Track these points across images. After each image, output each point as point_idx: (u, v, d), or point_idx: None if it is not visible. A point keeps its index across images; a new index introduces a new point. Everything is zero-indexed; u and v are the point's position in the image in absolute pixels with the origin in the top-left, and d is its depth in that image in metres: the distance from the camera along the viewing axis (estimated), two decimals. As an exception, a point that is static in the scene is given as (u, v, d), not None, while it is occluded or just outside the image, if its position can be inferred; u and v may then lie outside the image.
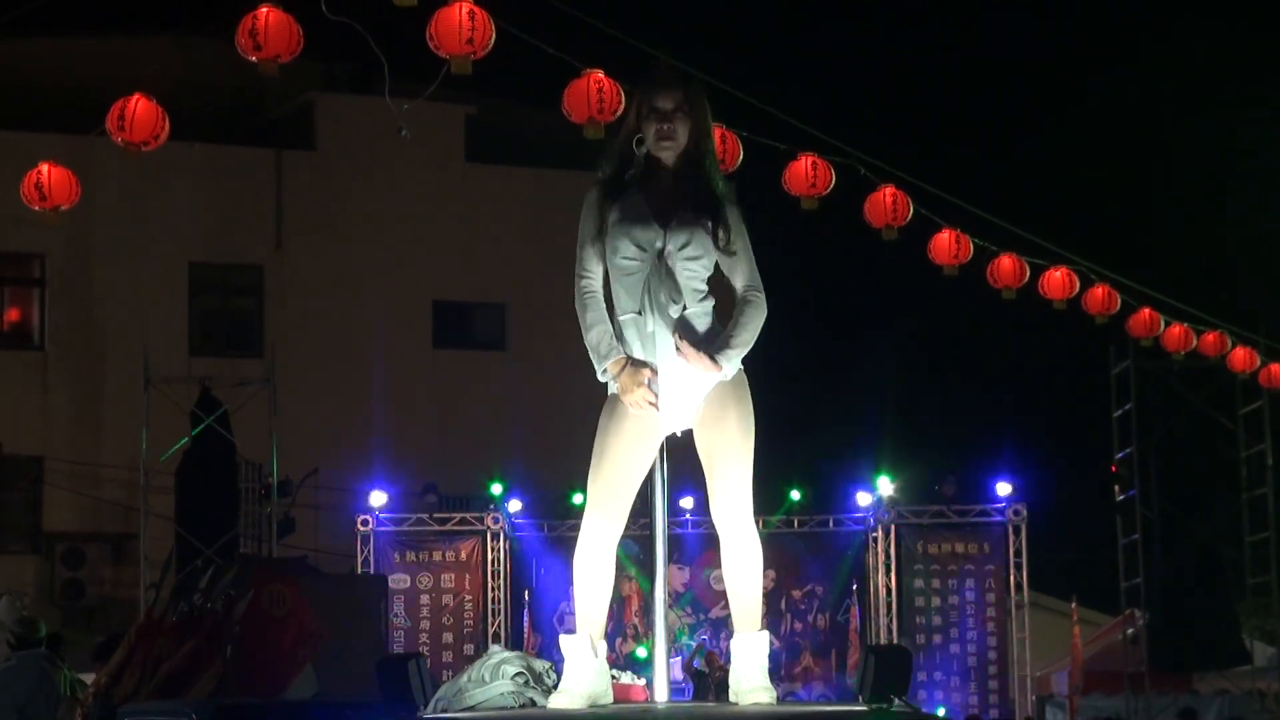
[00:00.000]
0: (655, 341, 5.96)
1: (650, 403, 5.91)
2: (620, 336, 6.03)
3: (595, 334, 6.02)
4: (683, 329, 5.96)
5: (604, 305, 6.06)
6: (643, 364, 5.96)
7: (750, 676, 5.99)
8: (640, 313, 5.97)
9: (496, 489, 24.49)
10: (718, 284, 6.15)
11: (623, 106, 12.78)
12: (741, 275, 6.07)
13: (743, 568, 6.06)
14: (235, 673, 13.84)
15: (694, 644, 23.95)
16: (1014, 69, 41.86)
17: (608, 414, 6.06)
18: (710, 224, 5.98)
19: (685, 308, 5.98)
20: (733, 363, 5.99)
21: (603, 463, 6.03)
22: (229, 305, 29.87)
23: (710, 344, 5.95)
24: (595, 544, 6.05)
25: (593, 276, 6.07)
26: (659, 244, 5.96)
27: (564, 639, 6.04)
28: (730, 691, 6.08)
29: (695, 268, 5.99)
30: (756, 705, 5.92)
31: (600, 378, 6.04)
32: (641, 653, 22.38)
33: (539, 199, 29.67)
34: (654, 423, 5.96)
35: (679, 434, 6.06)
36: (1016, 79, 42.10)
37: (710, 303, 6.04)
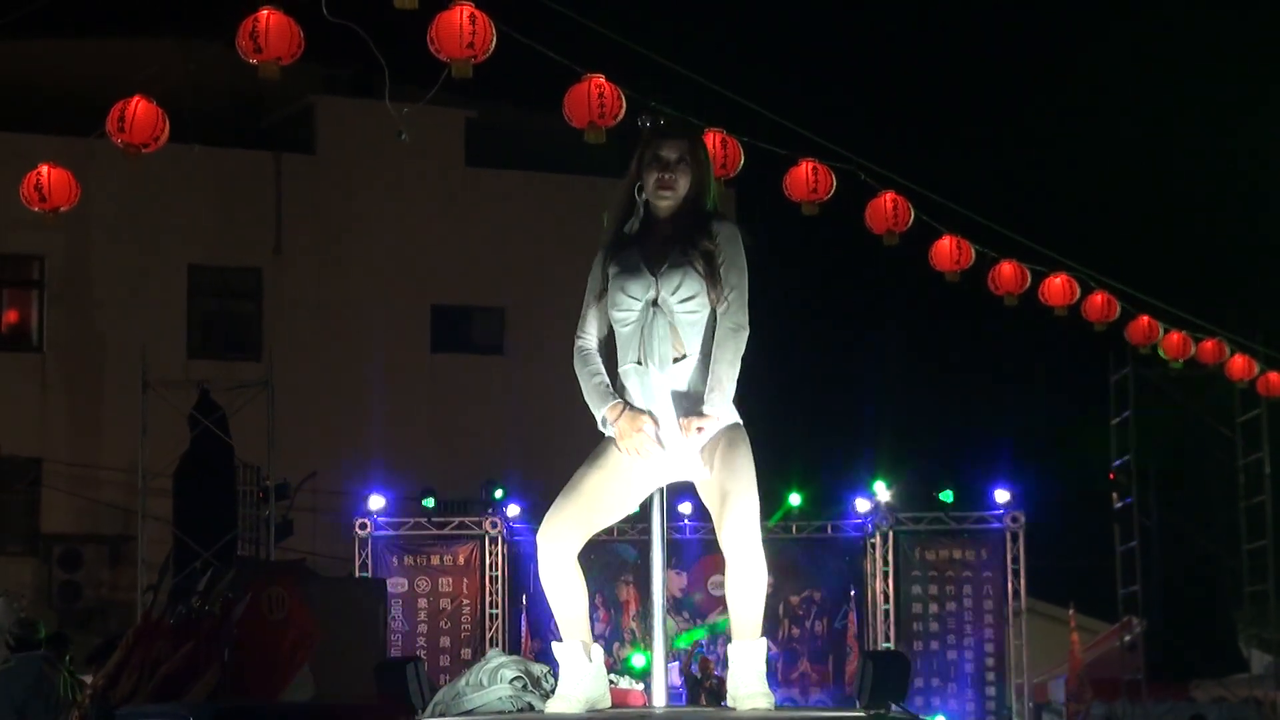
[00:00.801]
0: (655, 392, 5.91)
1: (649, 447, 5.85)
2: (622, 389, 6.00)
3: (591, 384, 6.00)
4: (681, 383, 5.91)
5: (599, 359, 6.03)
6: (641, 411, 5.90)
7: (748, 683, 5.99)
8: (640, 362, 5.92)
9: (496, 493, 24.47)
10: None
11: (623, 111, 12.78)
12: (724, 304, 5.94)
13: (746, 581, 6.03)
14: (233, 676, 13.84)
15: (688, 648, 23.93)
16: (1015, 75, 41.88)
17: (598, 453, 6.03)
18: (703, 264, 5.88)
19: (685, 355, 5.92)
20: (721, 406, 5.91)
21: (579, 493, 6.00)
22: (228, 308, 29.85)
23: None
24: (556, 559, 6.03)
25: (589, 337, 6.05)
26: (651, 293, 5.89)
27: (556, 646, 6.04)
28: (729, 697, 6.09)
29: (692, 307, 5.90)
30: (755, 711, 5.92)
31: (600, 427, 6.00)
32: (638, 660, 22.35)
33: (539, 203, 29.69)
34: (656, 466, 5.93)
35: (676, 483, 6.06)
36: (1018, 85, 42.11)
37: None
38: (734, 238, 5.98)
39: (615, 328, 5.99)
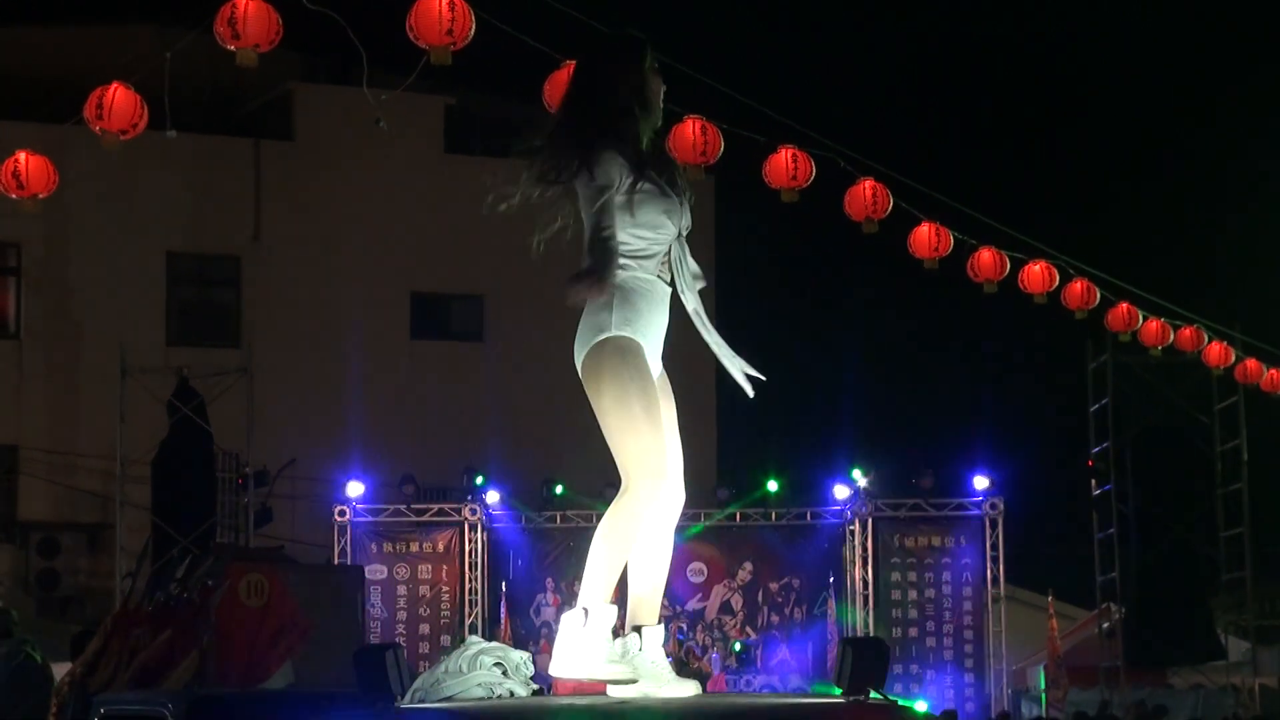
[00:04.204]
0: (660, 309, 5.96)
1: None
2: (631, 287, 5.92)
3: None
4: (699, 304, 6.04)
5: None
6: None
7: (668, 669, 5.89)
8: (659, 277, 5.97)
9: (475, 480, 24.46)
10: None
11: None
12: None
13: (666, 555, 6.03)
14: (213, 663, 13.81)
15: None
16: (993, 63, 41.92)
17: (619, 359, 5.86)
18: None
19: (696, 278, 6.04)
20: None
21: (650, 429, 5.82)
22: (206, 295, 29.80)
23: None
24: (644, 513, 5.89)
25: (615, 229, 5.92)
26: (680, 222, 6.02)
27: (600, 607, 5.90)
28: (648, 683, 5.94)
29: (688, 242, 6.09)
30: (689, 693, 5.82)
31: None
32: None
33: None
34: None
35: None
36: (996, 73, 42.16)
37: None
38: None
39: (636, 240, 5.95)
